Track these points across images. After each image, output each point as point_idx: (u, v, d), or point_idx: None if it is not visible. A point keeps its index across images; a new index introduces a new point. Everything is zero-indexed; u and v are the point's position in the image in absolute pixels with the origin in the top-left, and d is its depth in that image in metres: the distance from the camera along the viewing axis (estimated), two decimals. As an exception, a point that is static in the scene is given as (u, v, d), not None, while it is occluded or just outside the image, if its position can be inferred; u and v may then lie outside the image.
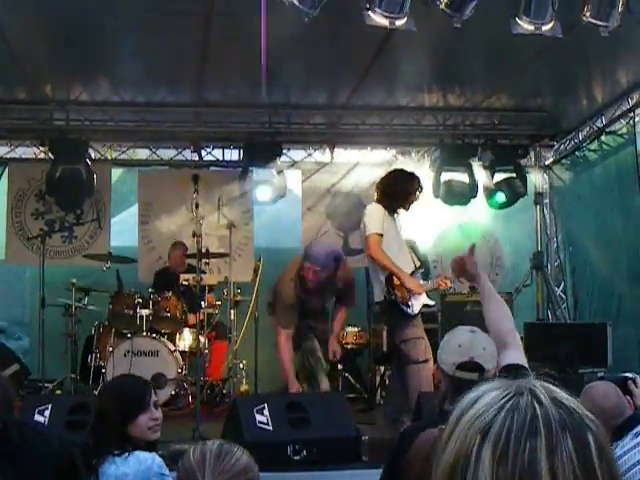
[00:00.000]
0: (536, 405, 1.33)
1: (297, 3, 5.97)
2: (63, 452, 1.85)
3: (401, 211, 8.48)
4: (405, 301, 8.03)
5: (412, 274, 8.21)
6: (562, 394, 1.37)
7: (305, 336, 8.96)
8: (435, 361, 4.35)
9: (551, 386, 1.38)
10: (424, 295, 8.21)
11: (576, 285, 12.29)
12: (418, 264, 8.43)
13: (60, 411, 6.85)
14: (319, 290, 8.75)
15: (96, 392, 8.97)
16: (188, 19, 8.17)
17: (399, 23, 6.05)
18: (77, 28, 8.40)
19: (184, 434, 8.07)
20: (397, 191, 8.45)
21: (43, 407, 6.88)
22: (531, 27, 6.24)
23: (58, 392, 10.37)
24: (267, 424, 6.87)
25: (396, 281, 8.05)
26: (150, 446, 4.22)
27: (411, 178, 8.69)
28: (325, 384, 8.99)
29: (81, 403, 6.88)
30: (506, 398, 1.35)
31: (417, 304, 8.13)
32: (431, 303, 8.39)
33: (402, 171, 8.94)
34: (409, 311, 8.07)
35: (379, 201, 8.42)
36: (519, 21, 6.27)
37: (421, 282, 8.25)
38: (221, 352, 10.93)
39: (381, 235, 8.17)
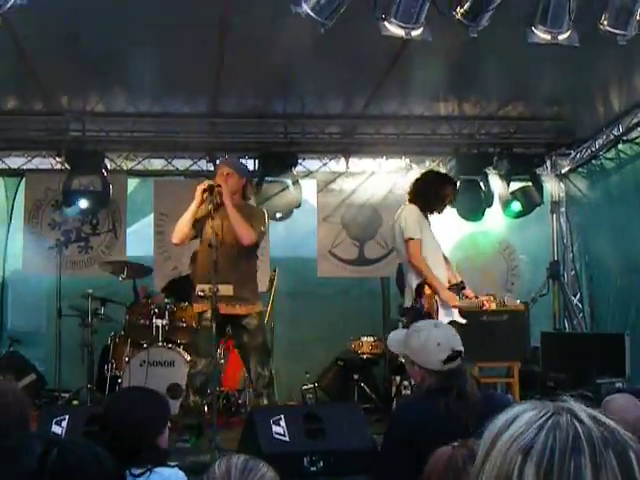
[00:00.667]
0: (577, 423, 1.34)
1: (313, 14, 5.96)
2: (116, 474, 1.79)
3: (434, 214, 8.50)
4: (430, 311, 7.99)
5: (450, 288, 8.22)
6: (599, 413, 1.37)
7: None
8: (414, 365, 4.50)
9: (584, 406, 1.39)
10: (456, 311, 8.16)
11: (593, 294, 12.24)
12: (459, 280, 8.44)
13: (77, 422, 6.84)
14: None
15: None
16: (203, 31, 8.18)
17: (415, 33, 6.04)
18: (93, 40, 8.43)
19: (200, 445, 8.08)
20: (432, 193, 8.46)
21: (60, 418, 6.88)
22: (547, 36, 6.22)
23: (75, 402, 10.40)
24: (284, 435, 6.85)
25: (427, 290, 8.02)
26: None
27: (447, 180, 8.73)
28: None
29: (99, 414, 6.86)
30: (545, 417, 1.35)
31: (445, 318, 8.02)
32: (462, 321, 8.22)
33: (437, 173, 8.95)
34: None
35: (413, 202, 8.39)
36: (535, 30, 6.25)
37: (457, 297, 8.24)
38: (237, 362, 10.92)
39: (420, 239, 8.17)
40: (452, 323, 8.11)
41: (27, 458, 1.73)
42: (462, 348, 4.46)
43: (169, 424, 4.29)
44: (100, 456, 1.89)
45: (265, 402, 8.31)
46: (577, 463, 1.29)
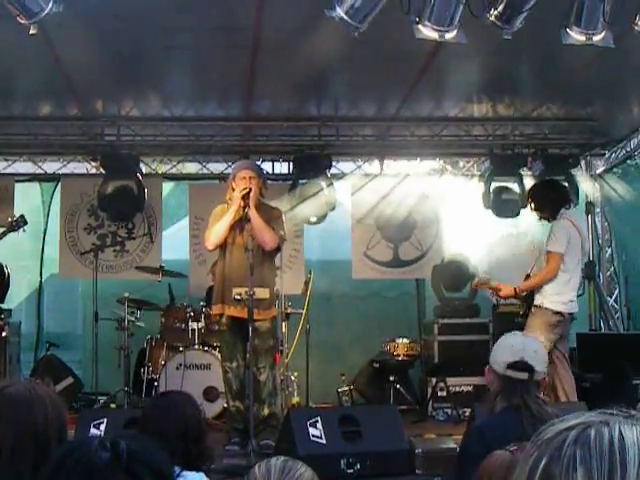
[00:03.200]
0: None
1: (347, 18, 5.97)
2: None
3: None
4: None
5: None
6: None
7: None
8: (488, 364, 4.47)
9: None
10: None
11: (629, 295, 12.17)
12: None
13: (115, 425, 6.90)
14: None
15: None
16: (237, 34, 8.21)
17: (449, 36, 6.03)
18: (127, 45, 8.48)
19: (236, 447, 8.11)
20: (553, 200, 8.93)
21: (98, 421, 6.94)
22: (582, 37, 6.19)
23: (112, 406, 10.46)
24: (320, 437, 6.88)
25: None
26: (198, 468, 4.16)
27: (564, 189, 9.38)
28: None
29: (136, 417, 6.91)
30: (593, 429, 1.35)
31: None
32: None
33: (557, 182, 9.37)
34: None
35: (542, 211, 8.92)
36: (570, 31, 6.22)
37: None
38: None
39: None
40: None
41: (98, 449, 1.77)
42: (537, 368, 4.32)
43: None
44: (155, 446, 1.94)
45: (266, 412, 8.26)
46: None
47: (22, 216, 10.31)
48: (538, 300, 8.59)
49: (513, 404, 4.21)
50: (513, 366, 4.27)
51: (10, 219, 10.29)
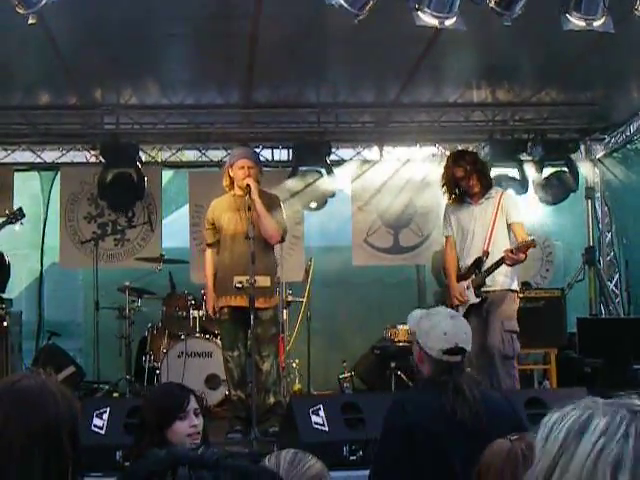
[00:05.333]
0: None
1: (346, 5, 5.96)
2: None
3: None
4: None
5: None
6: None
7: None
8: (417, 345, 4.56)
9: None
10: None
11: (629, 280, 12.17)
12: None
13: (119, 414, 6.90)
14: None
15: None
16: (236, 22, 8.19)
17: (448, 23, 6.02)
18: (126, 33, 8.47)
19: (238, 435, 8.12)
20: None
21: (101, 410, 6.94)
22: (582, 23, 6.18)
23: (115, 395, 10.48)
24: (323, 425, 6.88)
25: None
26: None
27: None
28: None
29: (139, 406, 6.92)
30: (625, 423, 1.34)
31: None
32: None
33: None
34: None
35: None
36: (569, 17, 6.21)
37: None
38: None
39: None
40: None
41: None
42: (468, 348, 4.47)
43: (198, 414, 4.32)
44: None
45: (271, 400, 8.30)
46: None
47: (20, 209, 10.28)
48: (513, 284, 8.25)
49: (439, 380, 4.35)
50: (448, 352, 4.40)
51: (8, 211, 10.27)
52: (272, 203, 8.47)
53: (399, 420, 4.34)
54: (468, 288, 8.29)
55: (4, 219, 10.18)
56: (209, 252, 8.65)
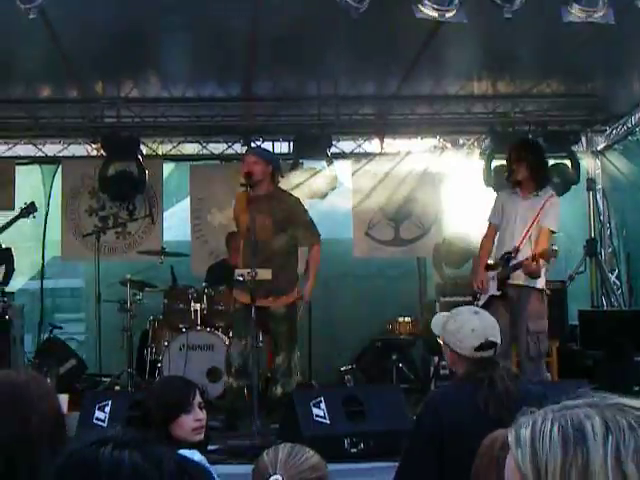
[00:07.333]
0: None
1: (346, -2, 5.96)
2: None
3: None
4: None
5: None
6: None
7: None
8: (447, 348, 4.57)
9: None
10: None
11: (631, 271, 12.17)
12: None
13: (120, 407, 6.92)
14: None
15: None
16: (236, 14, 8.17)
17: (449, 15, 6.02)
18: (127, 26, 8.48)
19: (240, 428, 8.12)
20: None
21: (103, 403, 6.96)
22: (583, 14, 6.18)
23: (117, 387, 10.48)
24: (324, 417, 6.90)
25: None
26: (195, 448, 4.10)
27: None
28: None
29: (141, 399, 6.94)
30: (619, 417, 1.35)
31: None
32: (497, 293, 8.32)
33: None
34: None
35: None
36: (570, 9, 6.21)
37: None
38: (275, 344, 10.98)
39: None
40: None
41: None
42: (498, 340, 4.50)
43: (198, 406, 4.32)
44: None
45: (279, 391, 8.35)
46: None
47: (32, 203, 10.68)
48: (538, 283, 8.20)
49: (477, 377, 4.34)
50: (481, 348, 4.41)
51: (21, 206, 10.62)
52: (293, 212, 8.58)
53: (429, 418, 4.37)
54: (493, 279, 8.30)
55: (17, 213, 10.36)
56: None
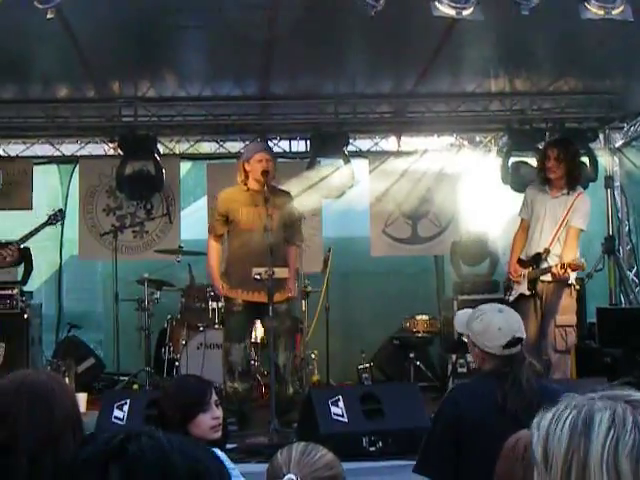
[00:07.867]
0: None
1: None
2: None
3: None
4: None
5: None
6: None
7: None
8: (475, 347, 4.59)
9: None
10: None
11: (649, 269, 12.14)
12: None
13: (138, 406, 6.94)
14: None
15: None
16: (252, 12, 8.17)
17: (466, 13, 6.01)
18: (144, 26, 8.49)
19: (258, 427, 8.11)
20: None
21: (122, 402, 6.98)
22: (601, 11, 6.15)
23: (135, 386, 10.52)
24: (342, 416, 6.90)
25: None
26: (214, 446, 4.14)
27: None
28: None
29: (158, 398, 6.95)
30: (629, 413, 1.35)
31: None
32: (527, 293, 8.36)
33: None
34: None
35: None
36: (588, 6, 6.18)
37: None
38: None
39: None
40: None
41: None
42: (524, 335, 4.53)
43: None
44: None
45: (290, 390, 8.35)
46: None
47: (61, 210, 10.82)
48: (572, 278, 8.19)
49: (502, 372, 4.39)
50: (508, 345, 4.44)
51: (49, 213, 10.60)
52: (292, 208, 8.56)
53: (449, 410, 4.40)
54: (524, 277, 8.30)
55: (44, 220, 10.41)
56: (214, 243, 8.68)
